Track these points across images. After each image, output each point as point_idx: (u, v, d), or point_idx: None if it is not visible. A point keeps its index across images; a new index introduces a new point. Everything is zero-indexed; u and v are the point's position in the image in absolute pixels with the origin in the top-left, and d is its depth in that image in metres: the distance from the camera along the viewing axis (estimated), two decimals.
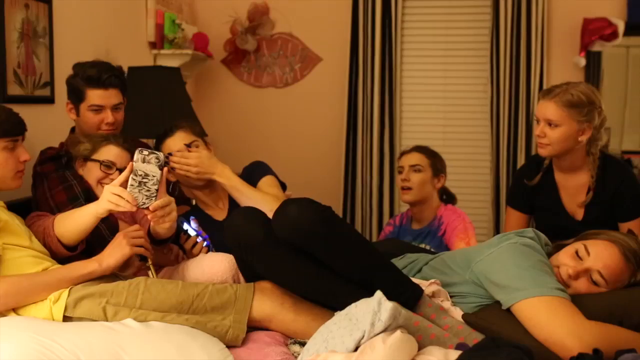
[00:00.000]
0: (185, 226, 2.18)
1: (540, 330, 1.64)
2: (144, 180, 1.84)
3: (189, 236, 2.18)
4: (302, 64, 4.34)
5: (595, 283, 1.78)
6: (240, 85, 4.41)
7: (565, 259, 1.83)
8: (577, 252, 1.81)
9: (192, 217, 2.22)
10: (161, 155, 1.87)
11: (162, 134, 2.44)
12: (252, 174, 2.46)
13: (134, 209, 1.83)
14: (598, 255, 1.79)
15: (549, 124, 2.32)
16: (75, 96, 2.39)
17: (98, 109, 2.37)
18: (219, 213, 2.46)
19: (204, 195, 2.46)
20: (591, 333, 1.60)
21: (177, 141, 2.39)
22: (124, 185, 1.84)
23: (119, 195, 1.81)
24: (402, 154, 3.06)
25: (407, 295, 1.84)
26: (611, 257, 1.78)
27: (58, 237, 1.98)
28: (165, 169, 1.88)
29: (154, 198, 1.84)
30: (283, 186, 2.51)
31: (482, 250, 1.88)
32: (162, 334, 1.73)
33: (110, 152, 2.24)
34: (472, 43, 4.18)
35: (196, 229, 2.20)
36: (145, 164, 1.85)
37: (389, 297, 1.77)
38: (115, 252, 1.90)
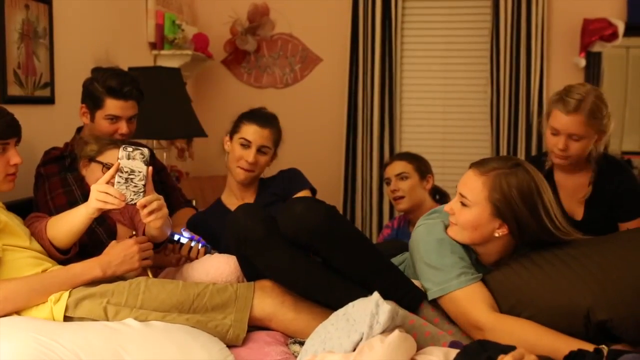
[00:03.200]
0: (177, 237, 2.17)
1: (461, 324, 1.80)
2: (131, 176, 1.84)
3: (182, 244, 2.18)
4: (302, 65, 4.34)
5: (463, 204, 1.85)
6: (240, 85, 4.41)
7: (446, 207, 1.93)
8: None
9: (183, 229, 2.22)
10: (146, 150, 1.87)
11: (253, 114, 2.54)
12: (291, 184, 2.47)
13: (122, 204, 1.82)
14: (460, 183, 1.90)
15: (571, 136, 2.29)
16: (93, 102, 2.38)
17: (114, 118, 2.37)
18: None
19: (236, 185, 2.48)
20: (487, 322, 1.72)
21: (257, 135, 2.43)
22: (112, 183, 1.84)
23: (106, 193, 1.82)
24: (385, 165, 3.07)
25: (409, 298, 1.85)
26: (469, 177, 1.87)
27: (50, 240, 1.98)
28: (151, 167, 1.88)
29: (141, 194, 1.85)
30: (313, 192, 2.52)
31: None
32: (163, 334, 1.73)
33: (115, 156, 2.23)
34: (472, 44, 4.18)
35: (188, 236, 2.19)
36: (131, 160, 1.85)
37: (391, 299, 1.77)
38: (125, 265, 1.89)
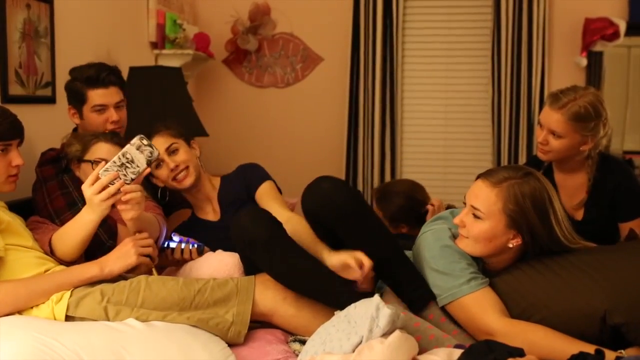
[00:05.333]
0: (166, 243, 2.16)
1: (470, 330, 1.77)
2: (127, 165, 1.82)
3: (173, 249, 2.17)
4: (304, 64, 4.34)
5: (475, 216, 1.82)
6: (241, 85, 4.42)
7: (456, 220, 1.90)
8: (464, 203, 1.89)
9: (173, 233, 2.21)
10: (156, 152, 1.86)
11: None
12: (250, 178, 2.42)
13: (122, 182, 1.80)
14: (471, 195, 1.85)
15: (553, 133, 2.29)
16: (77, 99, 2.39)
17: (101, 108, 2.38)
18: (212, 214, 2.45)
19: (192, 197, 2.44)
20: (498, 327, 1.70)
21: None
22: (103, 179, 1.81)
23: (104, 190, 1.80)
24: None
25: (419, 293, 1.86)
26: (480, 189, 1.83)
27: (60, 258, 1.97)
28: (148, 169, 1.86)
29: (125, 185, 1.82)
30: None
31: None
32: (164, 334, 1.73)
33: (101, 150, 2.22)
34: (473, 43, 4.18)
35: (177, 239, 2.18)
36: (138, 151, 1.83)
37: (404, 290, 1.79)
38: (121, 260, 1.88)
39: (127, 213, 1.87)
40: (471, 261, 1.83)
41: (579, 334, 1.67)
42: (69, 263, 1.97)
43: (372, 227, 1.91)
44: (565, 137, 2.27)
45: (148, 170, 1.87)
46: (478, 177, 1.87)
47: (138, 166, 1.83)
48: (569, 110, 2.24)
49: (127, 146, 1.84)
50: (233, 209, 2.36)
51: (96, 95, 2.36)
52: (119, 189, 1.82)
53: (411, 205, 2.76)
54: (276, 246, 1.85)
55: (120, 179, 1.82)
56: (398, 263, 1.90)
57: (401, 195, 2.78)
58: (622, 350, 1.64)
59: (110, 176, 1.81)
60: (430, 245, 1.87)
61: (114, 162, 1.82)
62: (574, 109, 2.24)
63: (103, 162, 1.84)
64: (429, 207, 2.73)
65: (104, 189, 1.82)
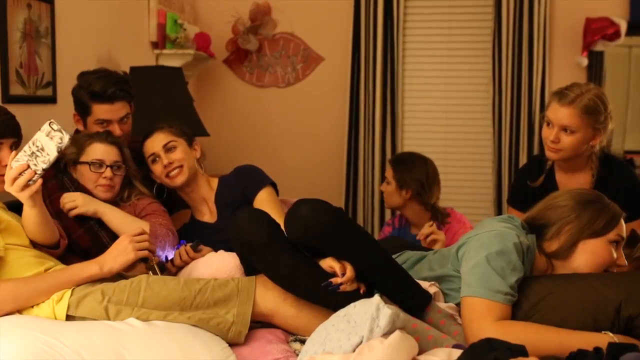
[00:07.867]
0: (163, 257, 2.16)
1: (465, 331, 1.73)
2: (37, 153, 1.73)
3: (172, 259, 2.18)
4: (304, 64, 4.34)
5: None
6: (242, 85, 4.42)
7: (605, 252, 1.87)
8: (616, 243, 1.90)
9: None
10: (66, 138, 1.75)
11: (144, 136, 2.40)
12: (249, 182, 2.41)
13: (34, 173, 1.72)
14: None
15: (565, 129, 2.30)
16: (82, 109, 2.38)
17: (105, 122, 2.35)
18: (208, 215, 2.45)
19: (188, 197, 2.45)
20: (488, 333, 1.63)
21: (155, 143, 2.35)
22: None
23: (17, 179, 1.73)
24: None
25: (415, 300, 1.85)
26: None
27: (34, 241, 1.97)
28: (59, 156, 1.77)
29: (36, 175, 1.75)
30: (274, 187, 2.46)
31: (468, 234, 1.91)
32: (165, 333, 1.73)
33: (96, 151, 2.22)
34: (474, 43, 4.18)
35: (172, 250, 2.19)
36: (48, 138, 1.73)
37: (397, 300, 1.77)
38: (120, 257, 1.87)
39: (22, 194, 1.77)
40: (521, 276, 1.78)
41: (591, 327, 1.68)
42: (67, 261, 1.97)
43: (358, 243, 1.87)
44: (578, 131, 2.29)
45: (58, 156, 1.76)
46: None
47: (48, 154, 1.74)
48: (580, 103, 2.27)
49: (37, 133, 1.75)
50: (230, 211, 2.36)
51: (100, 111, 2.34)
52: (30, 179, 1.73)
53: (426, 177, 2.91)
54: (274, 248, 1.85)
55: (31, 168, 1.73)
56: (389, 274, 1.88)
57: (423, 163, 2.95)
58: (609, 332, 1.65)
59: (18, 168, 1.73)
60: (495, 240, 1.78)
61: (24, 151, 1.73)
62: (584, 102, 2.27)
63: (14, 152, 1.75)
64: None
65: (16, 179, 1.74)
